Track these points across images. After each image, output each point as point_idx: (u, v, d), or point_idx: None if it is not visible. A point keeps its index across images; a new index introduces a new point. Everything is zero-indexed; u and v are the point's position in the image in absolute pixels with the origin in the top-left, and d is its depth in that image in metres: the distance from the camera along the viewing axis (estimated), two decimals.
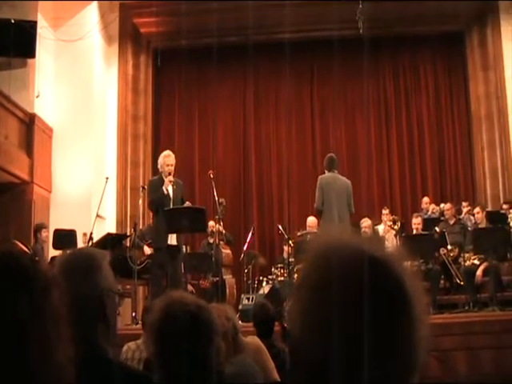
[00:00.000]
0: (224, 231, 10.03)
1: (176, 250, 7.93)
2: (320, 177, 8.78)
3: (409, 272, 0.93)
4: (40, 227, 9.44)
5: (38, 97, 10.59)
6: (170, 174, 7.94)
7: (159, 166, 8.23)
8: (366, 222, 10.27)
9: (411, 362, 0.91)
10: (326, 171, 8.78)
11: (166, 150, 12.02)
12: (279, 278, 9.75)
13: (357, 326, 0.86)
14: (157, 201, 7.89)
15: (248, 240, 10.50)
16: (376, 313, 0.87)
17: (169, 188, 7.94)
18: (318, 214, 8.88)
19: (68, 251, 2.06)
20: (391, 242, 9.72)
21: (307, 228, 10.18)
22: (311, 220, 10.17)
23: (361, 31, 11.20)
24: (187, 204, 8.07)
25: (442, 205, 11.09)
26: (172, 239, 7.89)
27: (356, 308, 0.87)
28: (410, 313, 0.90)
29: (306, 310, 0.91)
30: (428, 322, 0.93)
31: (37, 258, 1.11)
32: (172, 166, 8.02)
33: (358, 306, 0.87)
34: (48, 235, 9.43)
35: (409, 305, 0.90)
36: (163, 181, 7.94)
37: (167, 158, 8.08)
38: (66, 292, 1.76)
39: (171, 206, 7.84)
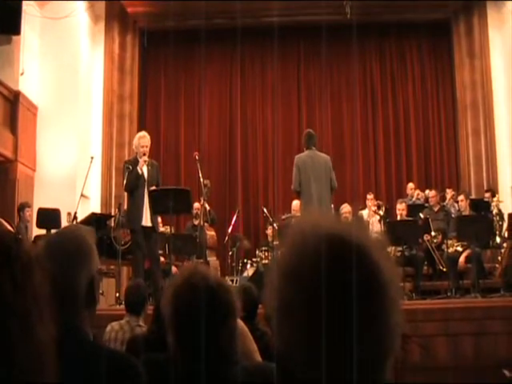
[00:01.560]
0: (209, 208, 10.01)
1: (151, 230, 7.94)
2: (296, 156, 8.53)
3: (386, 257, 0.93)
4: (23, 206, 9.38)
5: (22, 74, 10.47)
6: (144, 154, 7.91)
7: (134, 147, 8.21)
8: (345, 208, 10.28)
9: (387, 346, 0.90)
10: (304, 149, 8.56)
11: (151, 130, 12.07)
12: (263, 261, 9.78)
13: (330, 310, 0.86)
14: (131, 181, 7.88)
15: (233, 222, 10.50)
16: (351, 298, 0.86)
17: (143, 168, 7.93)
18: (296, 195, 8.74)
19: (54, 232, 2.00)
20: (375, 227, 9.77)
21: (292, 212, 10.19)
22: (296, 204, 10.16)
23: (348, 16, 11.18)
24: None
25: (427, 191, 11.16)
26: (147, 220, 7.89)
27: (330, 292, 0.87)
28: (386, 299, 0.90)
29: (282, 296, 0.92)
30: (402, 307, 0.92)
31: (20, 237, 1.10)
32: (147, 147, 7.98)
33: (332, 291, 0.87)
34: (32, 214, 9.38)
35: (384, 290, 0.89)
36: (137, 162, 7.92)
37: (142, 139, 8.04)
38: (57, 278, 1.75)
39: (146, 187, 7.86)
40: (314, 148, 8.42)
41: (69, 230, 1.98)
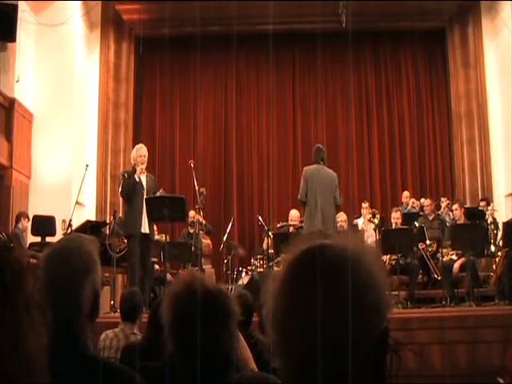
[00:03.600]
0: (204, 221, 10.02)
1: (147, 238, 8.03)
2: (305, 168, 8.74)
3: (375, 267, 0.99)
4: (21, 216, 9.33)
5: (17, 81, 10.45)
6: (142, 163, 8.12)
7: (132, 159, 8.41)
8: (341, 216, 10.28)
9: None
10: (314, 162, 8.72)
11: (147, 137, 12.07)
12: (258, 269, 9.77)
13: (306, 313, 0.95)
14: (129, 187, 8.00)
15: (228, 230, 10.49)
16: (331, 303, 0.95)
17: (142, 177, 8.10)
18: (302, 206, 8.88)
19: (57, 243, 1.96)
20: (371, 235, 9.77)
21: (289, 221, 10.21)
22: (294, 213, 10.21)
23: (343, 25, 11.21)
24: (161, 192, 8.26)
25: (422, 199, 11.19)
26: (144, 228, 7.97)
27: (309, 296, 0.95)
28: (372, 309, 0.97)
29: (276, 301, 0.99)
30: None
31: (12, 245, 1.09)
32: (145, 156, 8.19)
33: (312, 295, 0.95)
34: (28, 225, 9.34)
35: (365, 300, 0.96)
36: (135, 172, 8.12)
37: (140, 150, 8.27)
38: (60, 291, 1.74)
39: (144, 194, 8.00)
40: (321, 163, 8.61)
41: (72, 241, 1.93)
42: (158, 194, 8.38)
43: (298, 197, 8.63)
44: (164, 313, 1.89)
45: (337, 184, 8.58)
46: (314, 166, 8.65)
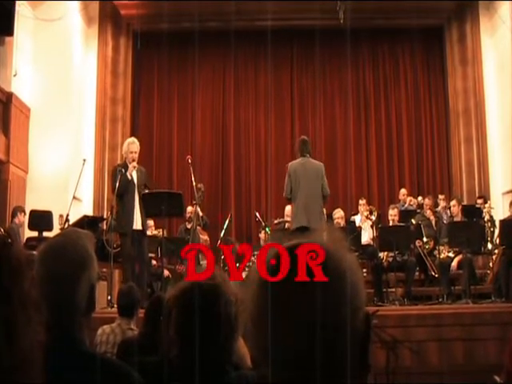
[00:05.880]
0: (201, 214, 10.01)
1: (140, 234, 8.00)
2: (289, 164, 8.47)
3: (349, 261, 1.02)
4: (17, 210, 9.31)
5: (15, 75, 10.43)
6: (133, 160, 7.97)
7: (124, 153, 8.29)
8: (338, 213, 10.28)
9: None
10: (298, 156, 8.45)
11: (144, 133, 12.05)
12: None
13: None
14: (121, 186, 7.90)
15: (225, 226, 10.48)
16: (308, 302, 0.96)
17: (133, 174, 7.98)
18: (288, 202, 8.71)
19: (53, 238, 1.94)
20: (368, 232, 9.77)
21: (285, 217, 10.19)
22: (289, 209, 10.16)
23: (341, 21, 11.21)
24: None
25: (419, 198, 11.19)
26: (137, 224, 7.93)
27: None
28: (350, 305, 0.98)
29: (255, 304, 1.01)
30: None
31: (9, 241, 1.08)
32: (136, 153, 8.06)
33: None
34: (24, 220, 9.32)
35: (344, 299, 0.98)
36: (127, 167, 7.97)
37: (131, 145, 8.11)
38: (56, 286, 1.73)
39: (135, 192, 7.92)
40: (307, 155, 8.36)
41: (68, 236, 1.92)
42: (146, 191, 8.24)
43: (283, 194, 8.35)
44: (171, 302, 1.89)
45: (323, 174, 8.22)
46: (299, 159, 8.33)
